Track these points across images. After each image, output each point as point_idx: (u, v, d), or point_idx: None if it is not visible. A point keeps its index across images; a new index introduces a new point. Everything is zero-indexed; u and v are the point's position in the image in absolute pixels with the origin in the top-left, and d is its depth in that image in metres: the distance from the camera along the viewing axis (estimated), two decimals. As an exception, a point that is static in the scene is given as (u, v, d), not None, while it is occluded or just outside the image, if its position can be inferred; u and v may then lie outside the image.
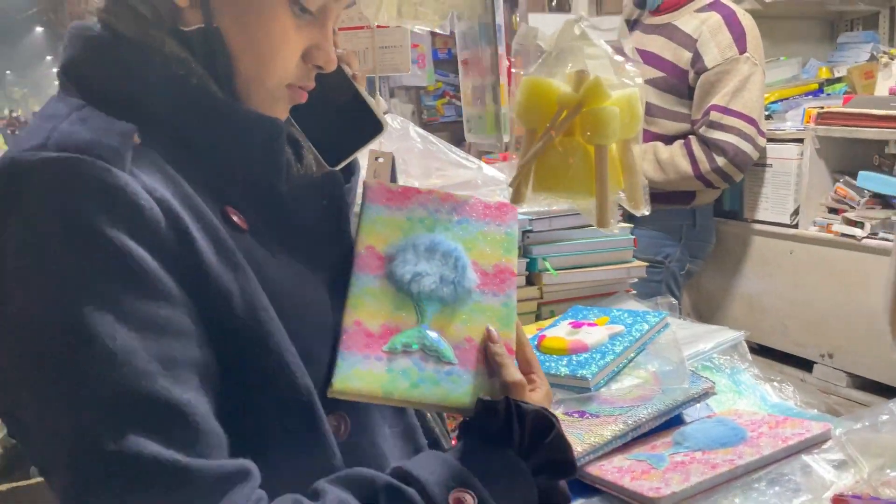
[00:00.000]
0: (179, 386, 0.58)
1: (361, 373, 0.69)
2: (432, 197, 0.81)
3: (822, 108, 2.38)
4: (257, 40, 0.69)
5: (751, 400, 1.11)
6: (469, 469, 0.65)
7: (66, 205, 0.58)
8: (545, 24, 0.94)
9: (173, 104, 0.67)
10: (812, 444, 0.91)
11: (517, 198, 0.91)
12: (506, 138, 1.73)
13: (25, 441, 0.63)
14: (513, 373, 0.72)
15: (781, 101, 2.68)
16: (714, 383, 1.06)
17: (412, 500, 0.62)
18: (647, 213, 0.92)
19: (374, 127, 0.80)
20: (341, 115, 0.79)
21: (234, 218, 0.68)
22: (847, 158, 2.34)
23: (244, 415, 0.64)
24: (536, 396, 0.73)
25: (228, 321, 0.63)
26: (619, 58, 0.89)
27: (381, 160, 1.18)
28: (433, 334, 0.72)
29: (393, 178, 1.15)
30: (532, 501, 0.67)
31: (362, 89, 0.80)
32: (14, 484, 1.36)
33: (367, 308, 0.73)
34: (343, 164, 0.80)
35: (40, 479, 1.29)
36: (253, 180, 0.71)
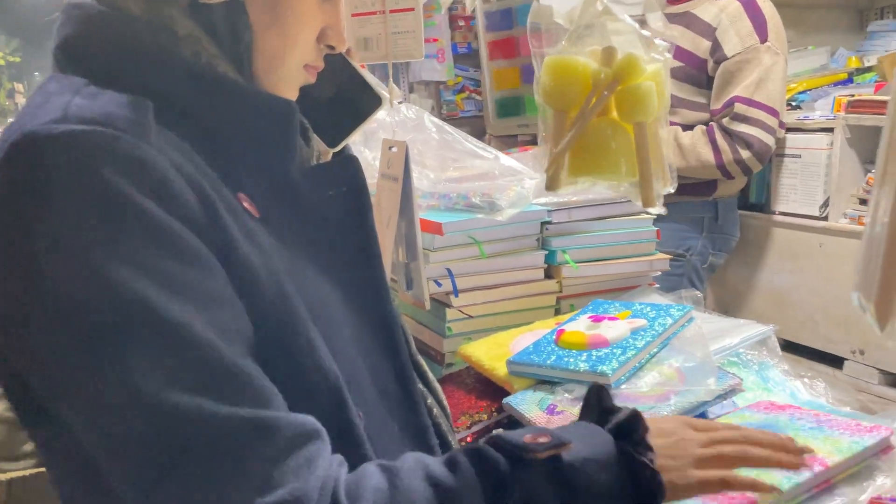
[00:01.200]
0: (238, 355, 0.57)
1: None
2: (804, 413, 0.88)
3: (853, 96, 2.31)
4: (284, 17, 0.67)
5: (780, 397, 1.05)
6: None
7: (98, 178, 0.55)
8: (558, 1, 0.90)
9: (180, 85, 0.64)
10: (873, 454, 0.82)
11: (554, 184, 0.88)
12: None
13: (57, 432, 0.60)
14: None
15: (810, 90, 2.60)
16: (741, 380, 1.01)
17: (486, 452, 0.62)
18: (671, 190, 0.89)
19: (372, 103, 0.78)
20: (337, 94, 0.77)
21: (245, 205, 0.65)
22: (879, 148, 2.26)
23: None
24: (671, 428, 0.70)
25: (258, 300, 0.61)
26: (645, 32, 0.85)
27: (394, 150, 1.14)
28: None
29: (406, 169, 1.11)
30: (611, 453, 0.64)
31: (356, 64, 0.77)
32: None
33: None
34: (342, 145, 0.77)
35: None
36: (264, 166, 0.69)
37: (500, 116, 1.62)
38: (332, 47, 0.72)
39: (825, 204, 2.32)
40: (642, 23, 0.90)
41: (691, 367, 1.00)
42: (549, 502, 0.61)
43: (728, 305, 2.60)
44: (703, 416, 0.97)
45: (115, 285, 0.54)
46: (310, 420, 0.60)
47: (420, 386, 0.80)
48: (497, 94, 1.63)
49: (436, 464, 0.62)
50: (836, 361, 2.32)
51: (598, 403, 0.70)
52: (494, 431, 0.68)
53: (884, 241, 0.70)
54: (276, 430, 0.56)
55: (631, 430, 0.66)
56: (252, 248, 0.62)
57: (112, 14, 0.65)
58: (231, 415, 0.54)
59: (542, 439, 0.63)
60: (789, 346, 2.37)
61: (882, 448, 0.81)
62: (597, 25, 0.86)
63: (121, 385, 0.54)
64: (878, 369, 2.20)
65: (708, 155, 2.10)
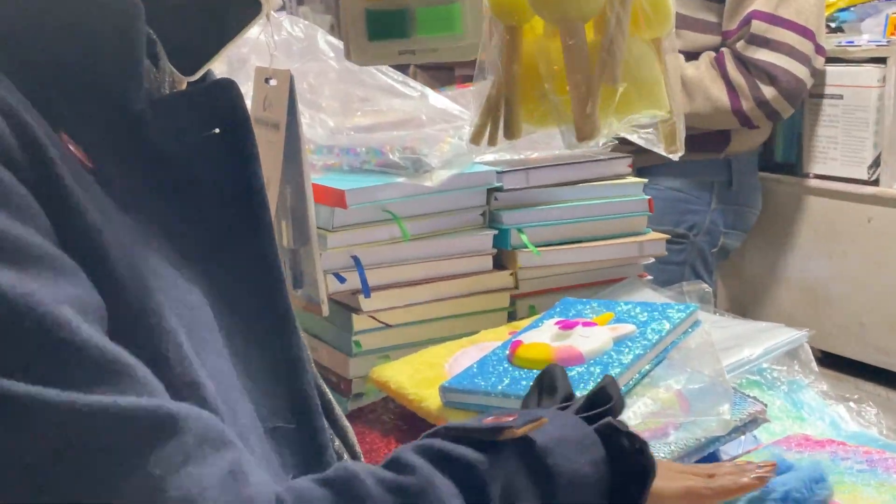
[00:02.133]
0: (104, 338, 0.57)
1: None
2: (851, 450, 0.96)
3: (914, 13, 2.40)
4: None
5: (818, 428, 1.10)
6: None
7: None
8: None
9: None
10: None
11: (592, 131, 0.89)
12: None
13: None
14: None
15: (854, 7, 2.69)
16: (766, 405, 1.04)
17: (441, 446, 0.69)
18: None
19: (244, 15, 0.79)
20: (196, 1, 0.77)
21: (72, 149, 0.64)
22: (947, 86, 2.36)
23: None
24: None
25: (105, 280, 0.60)
26: None
27: (273, 83, 1.13)
28: None
29: (292, 108, 1.10)
30: (587, 431, 0.74)
31: None
32: None
33: None
34: (202, 71, 0.77)
35: None
36: (95, 93, 0.67)
37: (374, 38, 1.60)
38: None
39: (875, 163, 2.40)
40: None
41: (697, 390, 1.03)
42: (528, 495, 0.69)
43: (746, 304, 2.68)
44: (713, 456, 1.00)
45: None
46: (218, 420, 0.60)
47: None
48: (368, 6, 1.60)
49: (379, 470, 0.67)
50: (891, 378, 2.42)
51: (551, 388, 0.83)
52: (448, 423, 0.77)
53: None
54: (181, 425, 0.56)
55: (603, 403, 0.78)
56: (97, 208, 0.62)
57: None
58: (114, 406, 0.54)
59: (509, 418, 0.70)
60: (828, 359, 2.46)
61: None
62: None
63: None
64: (945, 389, 2.30)
65: (720, 94, 2.13)
